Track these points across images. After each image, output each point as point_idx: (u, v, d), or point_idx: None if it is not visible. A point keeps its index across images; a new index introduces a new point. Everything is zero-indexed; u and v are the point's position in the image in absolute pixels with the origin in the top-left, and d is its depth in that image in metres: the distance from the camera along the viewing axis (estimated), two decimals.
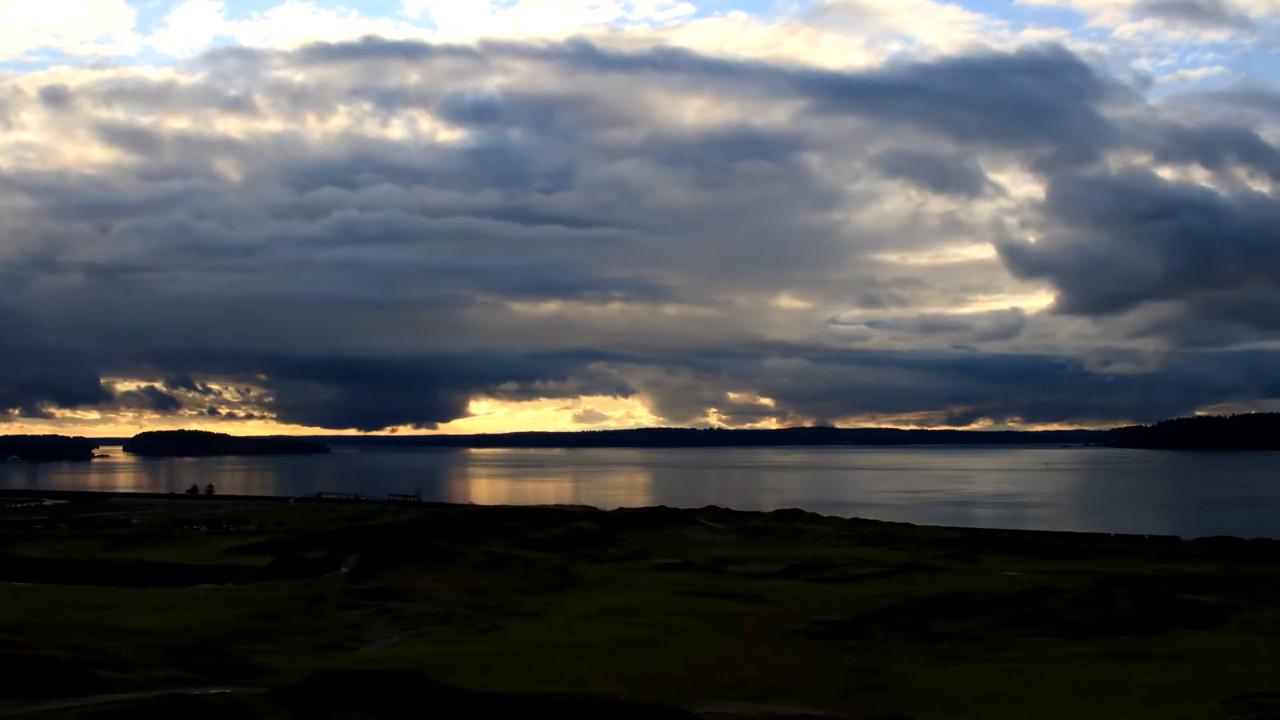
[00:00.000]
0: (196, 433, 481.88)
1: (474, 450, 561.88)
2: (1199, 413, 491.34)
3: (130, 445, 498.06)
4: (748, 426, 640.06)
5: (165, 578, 49.81)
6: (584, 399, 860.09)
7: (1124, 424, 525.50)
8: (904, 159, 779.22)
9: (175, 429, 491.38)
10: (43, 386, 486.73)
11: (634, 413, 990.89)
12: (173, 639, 32.51)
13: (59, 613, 37.18)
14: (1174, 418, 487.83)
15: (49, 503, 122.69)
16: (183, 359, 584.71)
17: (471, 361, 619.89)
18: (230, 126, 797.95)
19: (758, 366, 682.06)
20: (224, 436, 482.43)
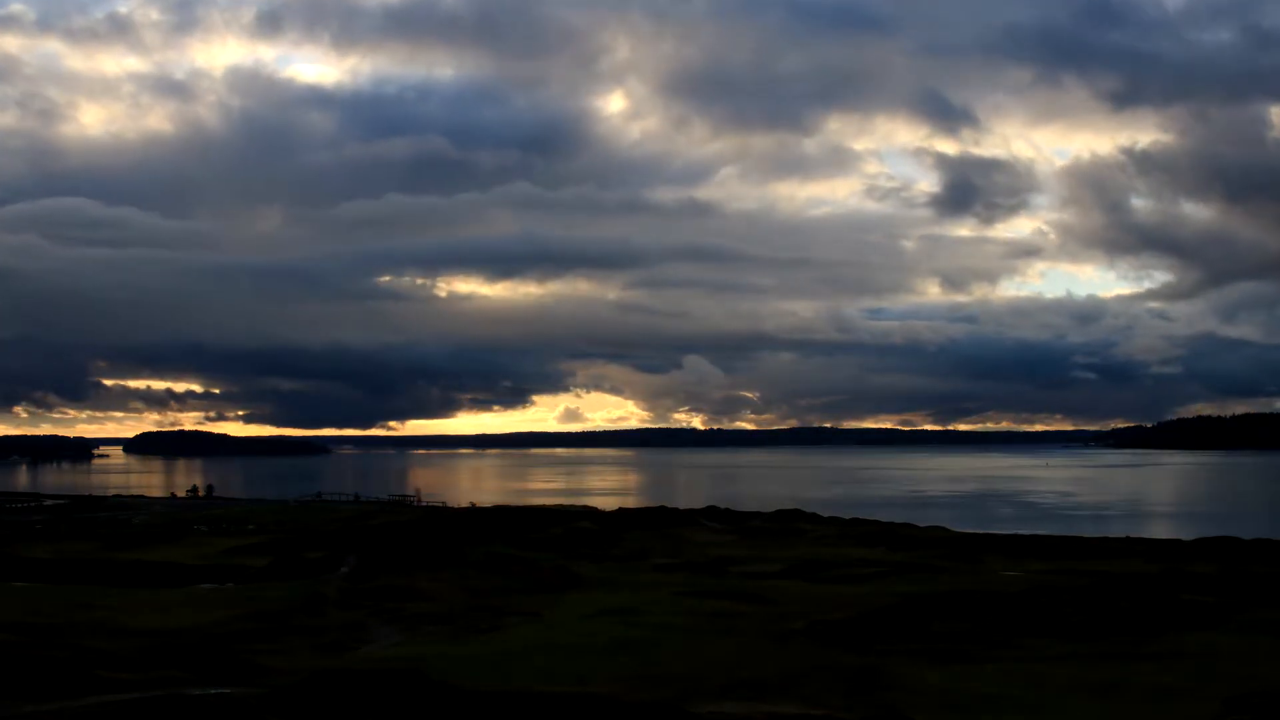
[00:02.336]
0: (196, 433, 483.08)
1: (464, 450, 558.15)
2: (1181, 413, 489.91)
3: (130, 446, 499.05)
4: (741, 427, 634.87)
5: (165, 578, 49.82)
6: (564, 397, 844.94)
7: (1123, 423, 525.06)
8: (919, 106, 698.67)
9: (175, 430, 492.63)
10: None
11: (619, 412, 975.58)
12: (173, 639, 32.52)
13: (59, 613, 37.21)
14: (1174, 417, 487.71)
15: (49, 503, 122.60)
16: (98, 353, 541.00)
17: (445, 358, 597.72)
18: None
19: (751, 362, 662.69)
20: (224, 437, 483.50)
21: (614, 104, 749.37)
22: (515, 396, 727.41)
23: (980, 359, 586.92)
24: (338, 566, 53.23)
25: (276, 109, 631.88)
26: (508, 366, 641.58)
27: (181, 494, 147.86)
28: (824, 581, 50.35)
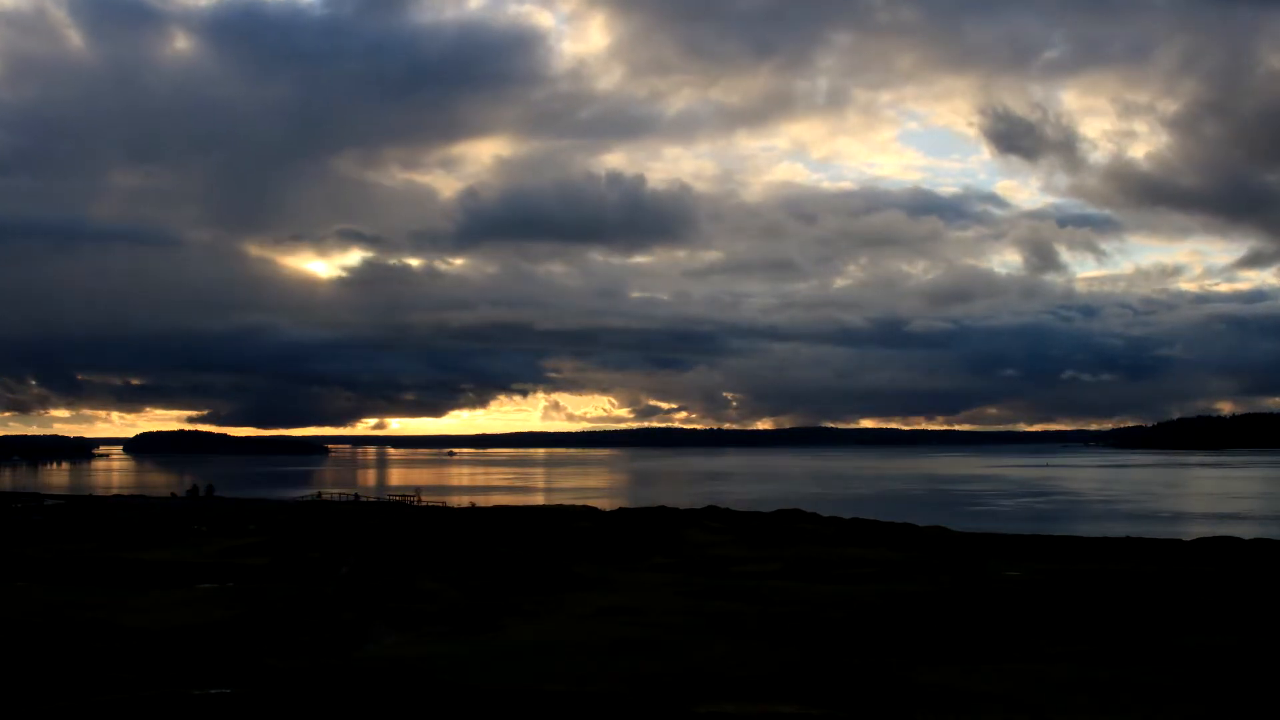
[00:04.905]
0: (196, 433, 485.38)
1: (451, 450, 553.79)
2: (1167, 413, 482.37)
3: (130, 445, 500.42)
4: (734, 427, 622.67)
5: (165, 578, 49.79)
6: (548, 395, 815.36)
7: (1121, 423, 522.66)
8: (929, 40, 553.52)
9: (175, 429, 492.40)
10: None
11: (599, 411, 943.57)
12: (173, 639, 32.53)
13: (58, 612, 37.21)
14: (1175, 417, 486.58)
15: (49, 503, 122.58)
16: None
17: (411, 355, 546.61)
18: None
19: (743, 358, 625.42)
20: (224, 437, 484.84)
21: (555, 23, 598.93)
22: (495, 394, 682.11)
23: (984, 352, 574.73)
24: (338, 566, 53.24)
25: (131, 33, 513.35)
26: (481, 362, 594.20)
27: (181, 494, 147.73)
28: (824, 581, 50.34)
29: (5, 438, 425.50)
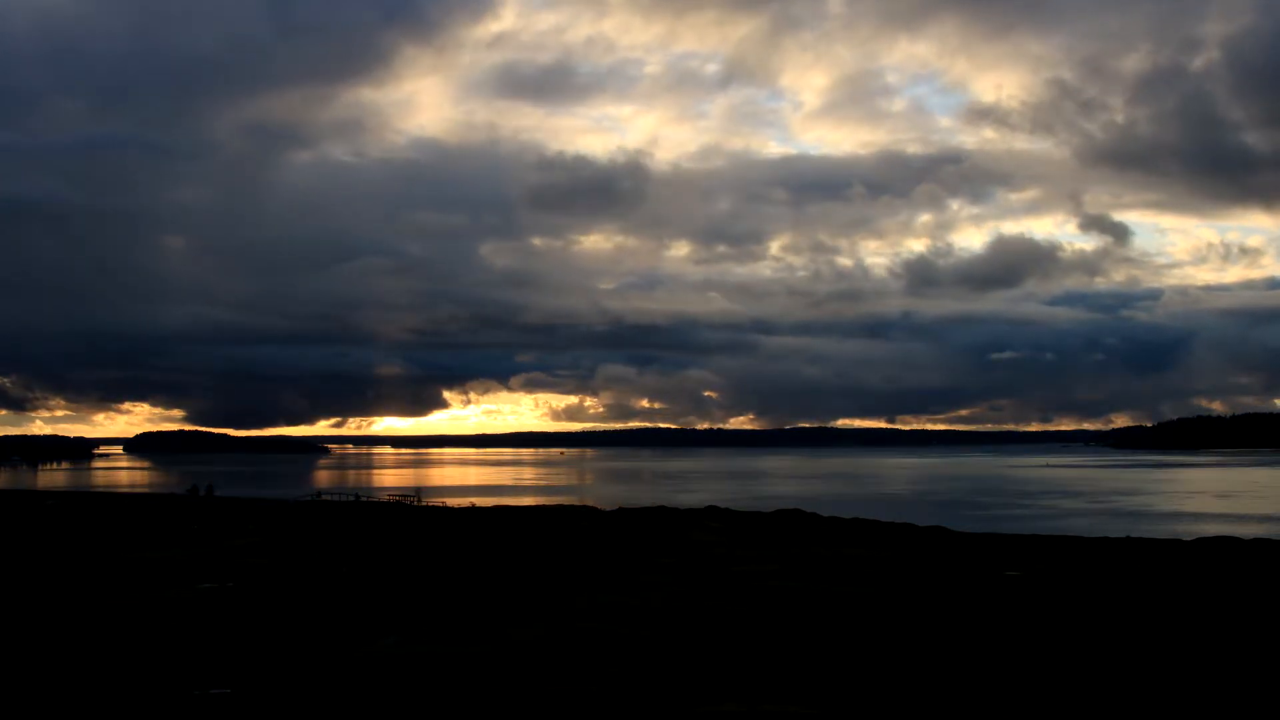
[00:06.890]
0: (196, 433, 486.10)
1: (438, 450, 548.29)
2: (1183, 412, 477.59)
3: (130, 445, 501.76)
4: (732, 427, 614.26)
5: (165, 577, 49.80)
6: (526, 395, 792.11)
7: (1113, 422, 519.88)
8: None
9: (175, 429, 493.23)
10: None
11: (575, 410, 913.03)
12: (172, 639, 32.55)
13: (58, 613, 37.22)
14: (1175, 417, 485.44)
15: (50, 503, 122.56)
16: None
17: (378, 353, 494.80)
18: None
19: (735, 356, 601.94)
20: (224, 436, 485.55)
21: None
22: (472, 394, 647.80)
23: (980, 348, 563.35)
24: (338, 567, 53.27)
25: None
26: (452, 361, 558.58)
27: (181, 494, 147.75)
28: (823, 581, 50.36)
29: (5, 437, 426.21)
